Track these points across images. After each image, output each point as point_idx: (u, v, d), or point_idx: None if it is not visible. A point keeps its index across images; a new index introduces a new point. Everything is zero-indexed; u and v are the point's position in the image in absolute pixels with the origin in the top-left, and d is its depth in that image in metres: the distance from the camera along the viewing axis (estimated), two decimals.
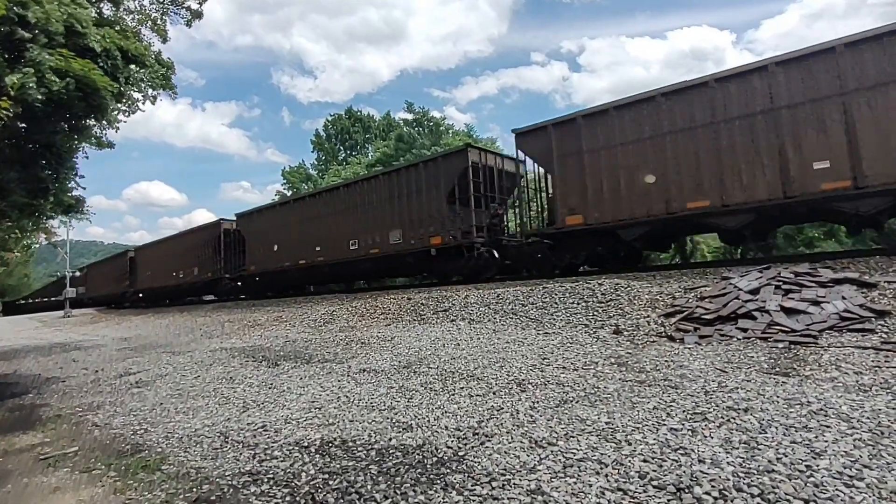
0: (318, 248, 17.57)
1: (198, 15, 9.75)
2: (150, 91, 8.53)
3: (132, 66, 7.58)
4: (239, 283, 22.32)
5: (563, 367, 5.62)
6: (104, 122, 7.66)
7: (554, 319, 8.16)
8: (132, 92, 8.06)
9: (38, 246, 36.98)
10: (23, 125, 6.84)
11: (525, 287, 10.15)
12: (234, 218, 22.85)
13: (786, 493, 2.50)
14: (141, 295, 30.75)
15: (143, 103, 8.58)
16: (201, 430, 4.66)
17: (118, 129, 8.19)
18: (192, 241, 25.21)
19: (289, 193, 42.82)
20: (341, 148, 49.11)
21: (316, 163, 49.16)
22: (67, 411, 6.12)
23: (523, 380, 5.23)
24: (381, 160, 36.58)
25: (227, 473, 3.54)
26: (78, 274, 39.62)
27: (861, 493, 2.46)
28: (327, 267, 17.37)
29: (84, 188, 8.96)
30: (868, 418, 3.36)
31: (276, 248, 19.47)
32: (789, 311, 6.21)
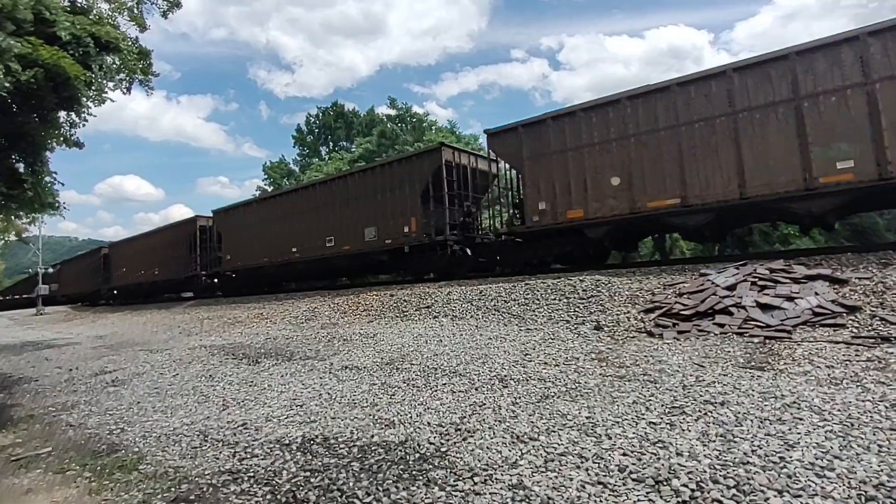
0: (294, 248, 17.51)
1: (176, 4, 9.48)
2: (124, 83, 8.25)
3: (105, 55, 7.32)
4: None
5: (545, 363, 5.67)
6: (73, 113, 7.37)
7: (536, 316, 8.22)
8: (105, 81, 7.78)
9: (5, 242, 35.29)
10: None
11: (507, 283, 10.20)
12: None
13: (760, 485, 2.56)
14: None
15: (115, 91, 8.26)
16: (180, 429, 4.59)
17: (86, 122, 7.83)
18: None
19: (270, 189, 42.13)
20: (324, 143, 48.55)
21: (298, 158, 48.57)
22: (40, 411, 5.96)
23: (505, 376, 5.26)
24: (363, 156, 36.26)
25: (206, 472, 3.49)
26: (51, 270, 38.41)
27: (832, 483, 2.54)
28: (303, 264, 17.29)
29: (62, 184, 8.66)
30: (839, 411, 3.46)
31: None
32: (764, 307, 6.36)
